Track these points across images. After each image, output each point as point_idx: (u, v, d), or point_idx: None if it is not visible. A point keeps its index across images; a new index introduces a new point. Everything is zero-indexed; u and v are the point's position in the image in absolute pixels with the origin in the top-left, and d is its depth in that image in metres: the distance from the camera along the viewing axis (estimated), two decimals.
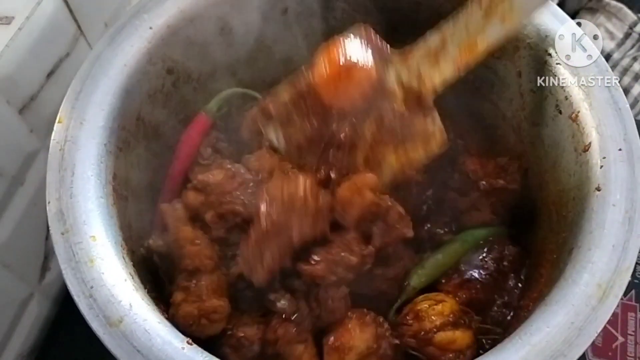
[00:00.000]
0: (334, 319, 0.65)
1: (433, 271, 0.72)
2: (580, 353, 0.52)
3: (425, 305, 0.68)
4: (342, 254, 0.63)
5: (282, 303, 0.63)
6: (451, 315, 0.67)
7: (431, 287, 0.72)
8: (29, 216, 0.77)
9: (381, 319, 0.67)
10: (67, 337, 0.84)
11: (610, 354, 0.78)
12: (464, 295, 0.71)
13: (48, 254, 0.83)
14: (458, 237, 0.75)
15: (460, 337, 0.66)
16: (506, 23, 0.63)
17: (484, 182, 0.75)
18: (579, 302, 0.54)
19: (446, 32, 0.66)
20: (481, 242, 0.75)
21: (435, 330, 0.66)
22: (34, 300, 0.82)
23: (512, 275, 0.73)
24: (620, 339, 0.79)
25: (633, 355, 0.78)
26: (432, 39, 0.67)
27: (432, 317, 0.66)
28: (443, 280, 0.73)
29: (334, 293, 0.64)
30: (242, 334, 0.64)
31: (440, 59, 0.66)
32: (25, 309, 0.81)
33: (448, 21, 0.66)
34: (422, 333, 0.66)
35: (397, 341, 0.66)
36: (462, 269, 0.72)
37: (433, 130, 0.67)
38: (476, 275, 0.72)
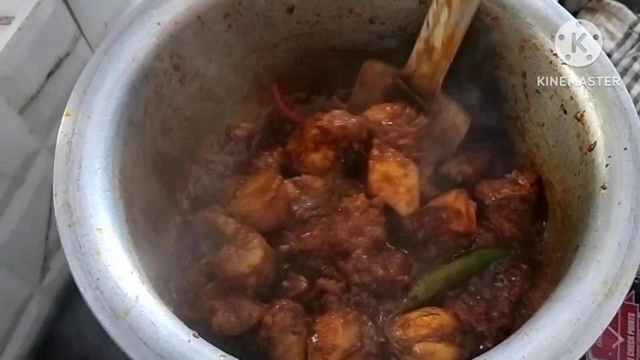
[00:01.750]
0: None
1: (441, 285, 0.71)
2: (586, 349, 0.52)
3: (416, 314, 0.67)
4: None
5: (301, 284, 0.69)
6: (440, 329, 0.65)
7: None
8: (29, 216, 0.77)
9: (365, 317, 0.66)
10: (67, 337, 0.83)
11: (610, 354, 0.78)
12: (466, 317, 0.69)
13: (48, 254, 0.83)
14: (475, 252, 0.73)
15: (441, 351, 0.65)
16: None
17: (489, 200, 0.75)
18: (585, 299, 0.54)
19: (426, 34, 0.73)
20: (496, 261, 0.73)
21: (417, 340, 0.65)
22: (34, 300, 0.82)
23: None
24: (620, 339, 0.79)
25: (633, 355, 0.78)
26: (418, 46, 0.74)
27: (418, 327, 0.65)
28: (450, 294, 0.71)
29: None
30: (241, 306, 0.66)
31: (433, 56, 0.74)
32: (25, 309, 0.81)
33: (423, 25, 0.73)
34: (404, 340, 0.65)
35: (382, 339, 0.66)
36: (471, 290, 0.71)
37: None
38: (486, 295, 0.71)
